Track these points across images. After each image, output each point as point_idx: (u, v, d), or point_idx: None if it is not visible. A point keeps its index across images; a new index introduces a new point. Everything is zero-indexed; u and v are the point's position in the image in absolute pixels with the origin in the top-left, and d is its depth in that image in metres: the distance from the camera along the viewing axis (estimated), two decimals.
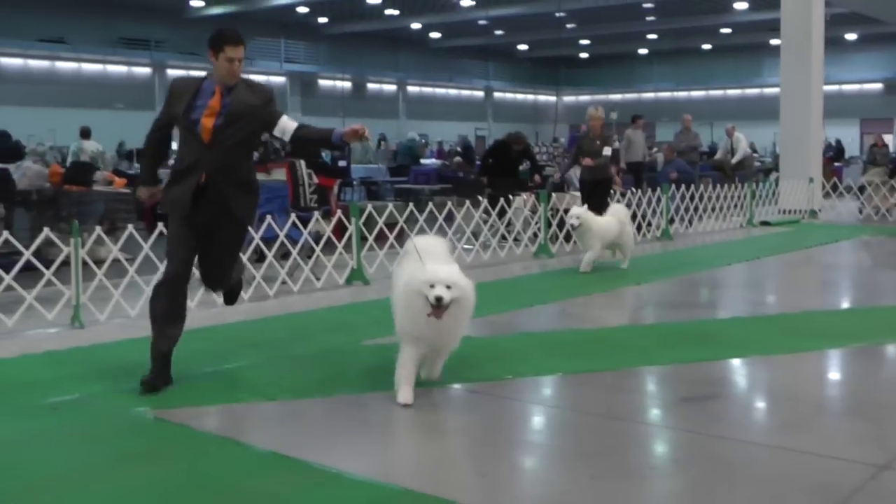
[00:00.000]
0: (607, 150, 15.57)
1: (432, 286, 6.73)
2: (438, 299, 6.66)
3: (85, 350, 8.80)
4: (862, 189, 23.95)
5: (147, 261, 10.85)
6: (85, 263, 10.17)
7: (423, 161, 32.00)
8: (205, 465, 5.79)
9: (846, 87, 52.72)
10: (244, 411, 7.01)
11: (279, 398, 7.20)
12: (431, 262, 7.10)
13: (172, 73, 44.17)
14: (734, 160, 26.00)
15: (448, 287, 6.75)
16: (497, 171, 18.70)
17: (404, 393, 6.90)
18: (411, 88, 56.11)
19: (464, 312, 7.04)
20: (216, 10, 41.88)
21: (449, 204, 15.38)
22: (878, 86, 52.75)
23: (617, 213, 14.20)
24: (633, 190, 18.50)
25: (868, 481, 5.34)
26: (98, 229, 10.72)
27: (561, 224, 16.41)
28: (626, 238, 14.28)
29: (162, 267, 10.32)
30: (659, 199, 18.44)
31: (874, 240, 18.95)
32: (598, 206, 14.60)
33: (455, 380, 7.68)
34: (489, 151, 20.21)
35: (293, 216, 12.77)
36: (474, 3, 42.04)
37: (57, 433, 6.42)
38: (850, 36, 48.96)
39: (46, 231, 10.24)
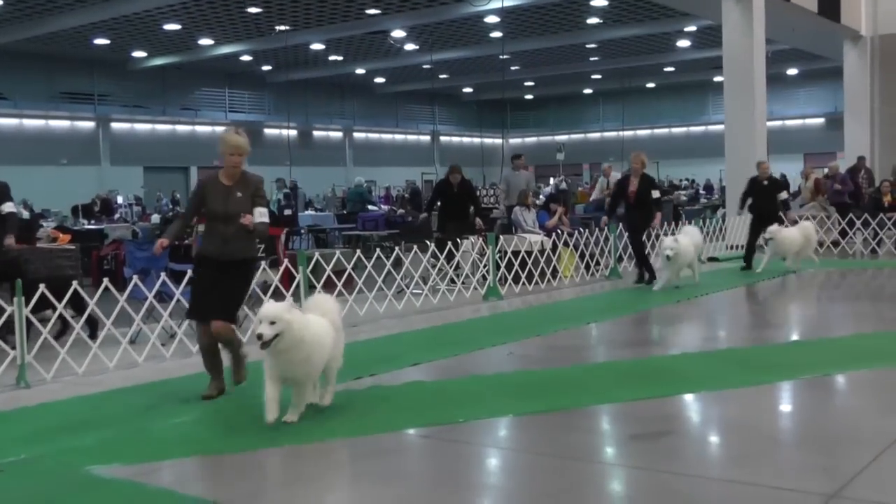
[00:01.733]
0: (262, 214, 9.00)
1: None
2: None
3: (31, 410, 8.69)
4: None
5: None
6: (29, 322, 10.06)
7: (370, 207, 31.98)
8: None
9: (789, 123, 53.13)
10: (194, 465, 6.95)
11: (230, 451, 7.14)
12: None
13: (117, 126, 44.01)
14: None
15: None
16: (445, 214, 18.52)
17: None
18: (357, 134, 56.04)
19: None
20: (159, 62, 41.70)
21: (397, 249, 15.36)
22: (820, 120, 53.16)
23: (330, 312, 8.39)
24: (581, 230, 18.53)
25: None
26: (42, 287, 10.59)
27: (509, 266, 16.47)
28: (338, 355, 8.52)
29: (108, 322, 10.28)
30: (607, 239, 18.49)
31: (820, 272, 19.10)
32: (230, 303, 9.05)
33: (406, 425, 7.67)
34: (435, 193, 19.63)
35: None
36: (418, 47, 42.16)
37: (3, 495, 6.33)
38: (792, 71, 49.45)
39: None
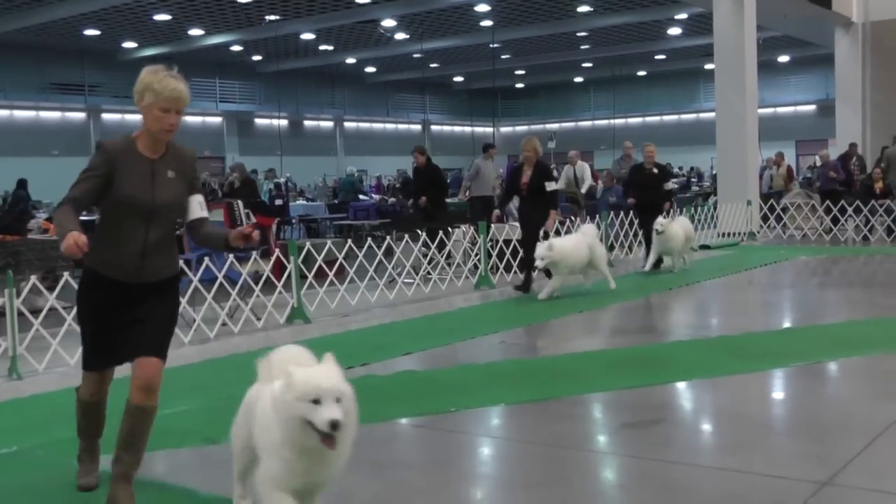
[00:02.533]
0: (202, 205, 6.08)
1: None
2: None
3: (23, 401, 8.67)
4: (785, 210, 24.24)
5: None
6: (21, 313, 10.05)
7: (361, 196, 31.99)
8: None
9: (781, 110, 53.18)
10: (188, 456, 6.94)
11: (223, 441, 7.12)
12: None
13: (108, 117, 43.91)
14: (583, 189, 22.98)
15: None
16: (415, 201, 18.47)
17: None
18: (348, 124, 55.97)
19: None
20: (150, 52, 41.60)
21: (388, 238, 15.34)
22: (812, 107, 53.18)
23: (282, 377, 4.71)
24: (574, 219, 18.50)
25: (810, 498, 5.38)
26: (33, 278, 10.58)
27: (501, 255, 16.46)
28: None
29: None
30: (598, 227, 18.47)
31: (812, 260, 19.12)
32: (165, 336, 5.89)
33: (398, 414, 7.66)
34: (415, 186, 19.27)
35: (231, 257, 12.68)
36: (408, 36, 42.11)
37: None
38: (783, 59, 49.47)
39: None
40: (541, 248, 13.76)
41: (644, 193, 17.66)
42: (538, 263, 13.79)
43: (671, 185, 18.21)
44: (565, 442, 6.82)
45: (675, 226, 16.76)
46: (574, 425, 7.33)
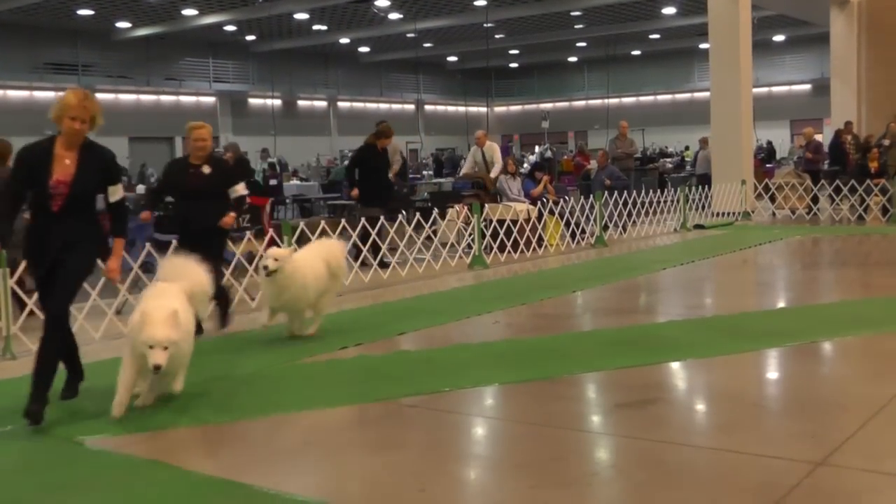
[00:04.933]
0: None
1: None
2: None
3: (18, 381, 8.64)
4: (780, 189, 24.22)
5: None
6: (14, 293, 10.02)
7: None
8: (142, 492, 5.69)
9: (775, 89, 53.11)
10: (182, 436, 6.92)
11: (218, 421, 7.13)
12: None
13: (101, 96, 43.75)
14: (493, 174, 19.45)
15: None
16: (369, 187, 16.05)
17: None
18: (342, 104, 55.84)
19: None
20: (143, 32, 41.52)
21: (381, 218, 15.28)
22: (807, 86, 53.08)
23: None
24: (566, 199, 18.50)
25: (804, 478, 5.37)
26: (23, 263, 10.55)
27: (494, 234, 16.43)
28: None
29: (94, 293, 10.27)
30: (592, 207, 18.47)
31: (807, 239, 19.12)
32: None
33: (392, 394, 7.65)
34: (356, 160, 17.07)
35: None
36: (402, 16, 42.00)
37: None
38: (778, 38, 49.41)
39: None
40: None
41: (193, 206, 10.52)
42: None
43: (242, 189, 10.79)
44: (559, 422, 6.82)
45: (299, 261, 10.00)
46: (568, 405, 7.33)
